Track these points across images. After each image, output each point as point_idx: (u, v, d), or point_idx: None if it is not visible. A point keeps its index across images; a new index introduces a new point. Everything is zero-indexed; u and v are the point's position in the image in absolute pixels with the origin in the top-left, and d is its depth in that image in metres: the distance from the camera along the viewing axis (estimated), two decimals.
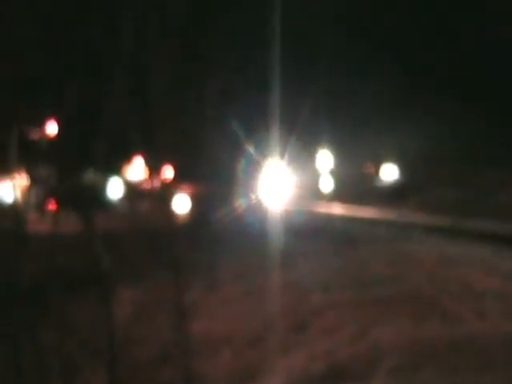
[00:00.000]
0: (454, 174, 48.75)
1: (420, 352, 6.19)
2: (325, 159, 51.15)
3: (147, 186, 11.91)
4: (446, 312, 8.06)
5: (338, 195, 52.52)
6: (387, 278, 10.93)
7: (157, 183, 9.82)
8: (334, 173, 54.75)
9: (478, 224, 24.10)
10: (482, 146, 50.58)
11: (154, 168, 10.06)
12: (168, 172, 9.72)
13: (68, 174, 6.27)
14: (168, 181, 9.66)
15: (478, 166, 49.03)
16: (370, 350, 6.42)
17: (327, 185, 54.84)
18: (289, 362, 6.51)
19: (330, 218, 35.26)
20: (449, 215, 28.17)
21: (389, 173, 58.19)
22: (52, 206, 6.61)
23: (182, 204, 11.35)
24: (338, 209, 43.87)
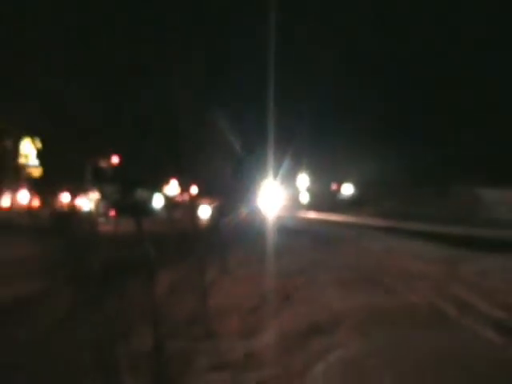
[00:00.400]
0: (397, 190, 48.95)
1: (369, 315, 6.36)
2: (303, 180, 51.75)
3: (180, 199, 12.12)
4: (389, 288, 8.22)
5: (313, 206, 52.96)
6: (348, 265, 11.09)
7: (186, 197, 10.00)
8: (309, 189, 55.34)
9: (414, 225, 24.32)
10: (420, 167, 50.71)
11: (184, 187, 10.26)
12: (194, 189, 9.92)
13: (126, 191, 6.48)
14: (194, 195, 9.84)
15: (416, 183, 49.19)
16: (336, 314, 6.58)
17: (305, 198, 55.35)
18: (279, 321, 6.68)
19: (307, 222, 35.42)
20: (392, 220, 28.42)
21: (348, 189, 59.07)
22: (114, 214, 6.81)
23: (204, 211, 11.54)
24: (312, 215, 44.09)
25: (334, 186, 60.14)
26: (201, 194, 10.01)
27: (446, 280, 8.68)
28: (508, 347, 4.87)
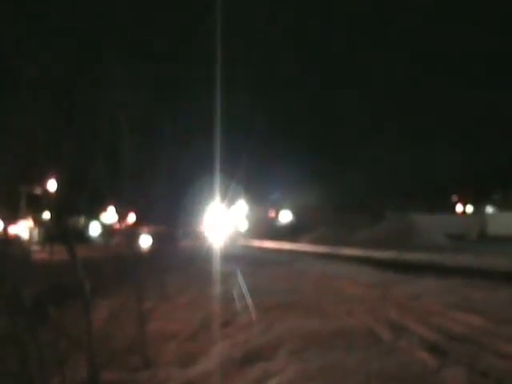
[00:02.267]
0: (334, 217, 49.80)
1: (307, 339, 6.31)
2: (242, 206, 51.88)
3: (117, 227, 11.83)
4: (325, 312, 8.21)
5: (251, 233, 53.07)
6: (286, 290, 11.07)
7: (124, 225, 9.75)
8: (248, 216, 55.51)
9: (349, 251, 24.68)
10: (353, 197, 51.91)
11: (121, 214, 10.01)
12: (132, 217, 9.70)
13: (61, 219, 6.24)
14: (132, 223, 9.61)
15: (349, 212, 50.24)
16: (274, 339, 6.50)
17: (243, 225, 55.46)
18: (217, 349, 6.54)
19: (247, 248, 35.42)
20: (327, 245, 28.83)
21: (285, 216, 59.64)
22: (49, 241, 6.56)
23: (144, 239, 11.31)
24: (251, 242, 44.13)
25: (271, 213, 60.59)
26: (139, 222, 9.77)
27: (380, 303, 8.75)
28: (441, 369, 4.90)
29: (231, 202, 46.12)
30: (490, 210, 61.25)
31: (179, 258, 18.60)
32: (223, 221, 47.84)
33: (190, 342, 7.22)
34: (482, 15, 55.63)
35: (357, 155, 56.63)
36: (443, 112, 57.91)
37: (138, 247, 8.74)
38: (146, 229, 9.80)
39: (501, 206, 62.87)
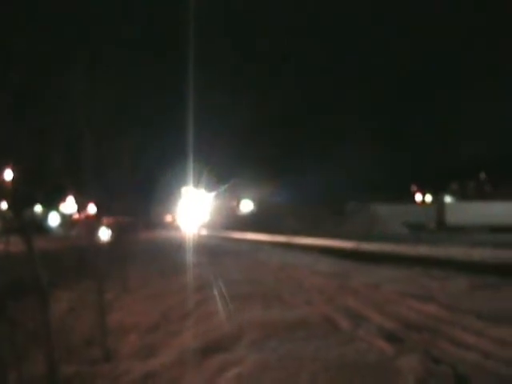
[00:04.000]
0: (294, 210, 50.20)
1: (266, 329, 6.35)
2: (207, 196, 51.65)
3: (77, 217, 11.65)
4: (285, 301, 8.28)
5: (213, 223, 52.90)
6: (246, 279, 11.11)
7: (83, 215, 9.62)
8: (212, 206, 55.31)
9: (307, 241, 24.96)
10: (317, 187, 52.35)
11: (81, 204, 9.88)
12: (91, 207, 9.58)
13: (19, 209, 6.11)
14: (92, 214, 9.50)
15: (311, 206, 50.69)
16: (234, 330, 6.52)
17: (207, 215, 55.30)
18: (178, 340, 6.55)
19: (208, 238, 35.41)
20: (286, 236, 29.11)
21: (246, 206, 59.59)
22: (6, 233, 6.41)
23: (105, 230, 11.21)
24: (214, 232, 44.13)
25: (232, 202, 60.41)
26: (100, 212, 9.66)
27: (339, 292, 8.87)
28: (398, 356, 5.01)
29: (199, 191, 46.02)
30: (448, 199, 62.50)
31: (140, 249, 18.49)
32: (190, 210, 47.64)
33: (151, 334, 7.21)
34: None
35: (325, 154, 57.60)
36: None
37: (97, 238, 8.64)
38: (105, 220, 9.67)
39: (459, 195, 64.33)
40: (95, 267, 7.48)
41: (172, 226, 59.60)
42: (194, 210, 48.75)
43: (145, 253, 19.26)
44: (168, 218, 73.45)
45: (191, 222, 46.44)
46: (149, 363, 5.74)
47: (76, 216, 11.67)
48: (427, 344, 5.40)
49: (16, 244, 6.50)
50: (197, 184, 44.79)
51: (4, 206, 6.75)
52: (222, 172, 46.57)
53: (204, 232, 44.08)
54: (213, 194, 50.57)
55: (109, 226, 11.17)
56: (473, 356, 4.94)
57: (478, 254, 13.95)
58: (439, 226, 48.24)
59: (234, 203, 61.06)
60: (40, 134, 6.87)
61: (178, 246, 23.87)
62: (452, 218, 47.71)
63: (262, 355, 5.23)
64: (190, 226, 44.93)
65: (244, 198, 58.75)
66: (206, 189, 49.32)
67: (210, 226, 51.00)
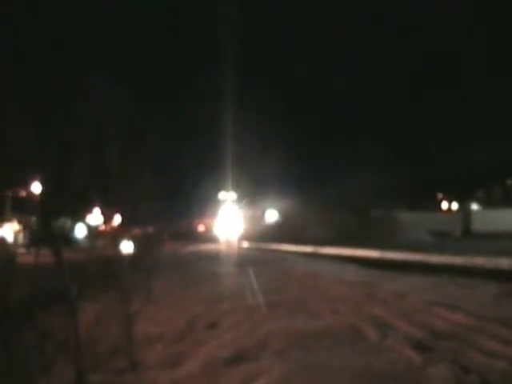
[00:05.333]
0: (318, 219, 49.92)
1: (293, 338, 6.31)
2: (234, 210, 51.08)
3: (103, 229, 11.78)
4: (311, 311, 8.23)
5: (245, 233, 52.06)
6: (273, 289, 11.06)
7: (110, 227, 9.73)
8: (242, 217, 54.70)
9: (332, 251, 24.82)
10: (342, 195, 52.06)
11: (107, 216, 9.99)
12: (118, 219, 9.67)
13: (47, 221, 6.21)
14: (118, 225, 9.59)
15: (337, 214, 50.35)
16: (261, 340, 6.50)
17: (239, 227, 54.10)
18: (204, 350, 6.54)
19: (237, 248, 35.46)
20: (312, 246, 28.97)
21: (272, 215, 59.03)
22: (35, 244, 6.52)
23: (128, 243, 11.25)
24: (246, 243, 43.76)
25: (258, 212, 59.95)
26: (125, 224, 9.74)
27: (366, 301, 8.79)
28: (427, 365, 4.94)
29: (235, 199, 45.58)
30: (474, 207, 61.68)
31: (166, 260, 18.58)
32: (227, 220, 46.84)
33: (177, 344, 7.21)
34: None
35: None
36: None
37: (120, 250, 8.71)
38: (129, 232, 9.74)
39: (485, 203, 63.43)
40: (121, 278, 7.54)
41: (206, 237, 58.52)
42: (230, 219, 47.69)
43: (171, 263, 19.31)
44: (201, 228, 72.42)
45: (229, 233, 45.30)
46: (175, 372, 5.74)
47: (102, 227, 11.81)
48: (455, 353, 5.31)
49: (45, 255, 6.58)
50: (232, 192, 44.60)
51: (34, 218, 6.86)
52: (251, 181, 46.31)
53: (245, 244, 42.63)
54: (244, 203, 50.04)
55: (132, 237, 11.24)
56: (501, 364, 4.84)
57: (505, 261, 13.69)
58: (465, 234, 47.62)
59: (260, 213, 60.48)
60: (66, 146, 6.98)
61: (206, 257, 23.91)
62: (478, 225, 47.06)
63: (288, 365, 5.20)
64: (227, 236, 43.90)
65: (269, 207, 58.21)
66: (239, 198, 48.90)
67: (244, 236, 49.91)
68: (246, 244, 41.18)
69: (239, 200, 48.49)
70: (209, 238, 53.96)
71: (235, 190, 45.08)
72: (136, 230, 12.86)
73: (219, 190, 45.59)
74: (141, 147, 10.40)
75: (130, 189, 9.40)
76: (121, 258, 8.06)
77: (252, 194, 49.85)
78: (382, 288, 10.28)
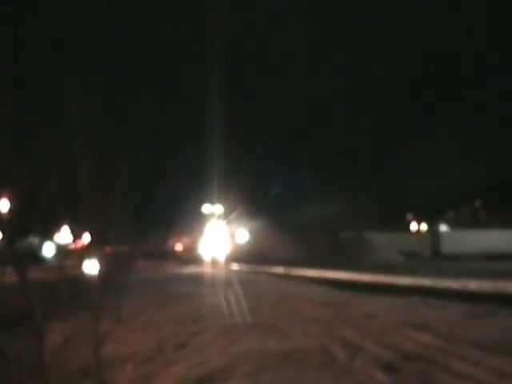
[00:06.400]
0: (288, 239, 49.94)
1: (262, 359, 6.29)
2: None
3: (72, 247, 11.60)
4: (282, 332, 8.21)
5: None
6: (243, 310, 11.01)
7: (78, 245, 9.60)
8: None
9: (305, 272, 24.86)
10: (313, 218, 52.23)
11: (76, 234, 9.87)
12: (86, 237, 9.55)
13: (12, 240, 6.11)
14: (87, 243, 9.46)
15: (308, 235, 50.48)
16: (230, 361, 6.45)
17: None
18: (172, 371, 6.47)
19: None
20: (284, 267, 28.98)
21: (243, 236, 58.08)
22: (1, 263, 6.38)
23: (93, 262, 11.06)
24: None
25: (232, 230, 58.93)
26: (94, 242, 9.61)
27: (336, 322, 8.81)
28: None
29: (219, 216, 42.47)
30: (443, 228, 62.39)
31: (137, 280, 18.34)
32: (211, 237, 42.72)
33: (146, 364, 7.13)
34: None
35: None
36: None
37: (87, 269, 8.60)
38: (98, 251, 9.60)
39: (454, 224, 64.26)
40: (90, 298, 7.44)
41: (184, 257, 55.11)
42: (214, 237, 42.53)
43: (142, 283, 19.07)
44: (178, 247, 67.80)
45: (215, 252, 40.21)
46: None
47: (71, 246, 11.64)
48: (424, 374, 5.35)
49: (12, 275, 6.46)
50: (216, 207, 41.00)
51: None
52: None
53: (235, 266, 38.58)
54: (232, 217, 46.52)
55: (102, 256, 11.08)
56: None
57: (473, 283, 13.91)
58: (434, 255, 48.11)
59: (233, 232, 59.27)
60: (35, 162, 6.91)
61: (177, 276, 23.59)
62: (447, 246, 47.56)
63: None
64: (213, 255, 39.10)
65: (240, 227, 57.21)
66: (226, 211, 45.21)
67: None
68: (236, 266, 38.21)
69: (226, 214, 45.29)
70: (190, 257, 51.39)
71: (222, 203, 41.97)
72: (107, 249, 12.67)
73: (203, 202, 42.00)
74: (114, 163, 10.34)
75: (100, 206, 9.31)
76: (89, 277, 7.95)
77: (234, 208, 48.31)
78: (352, 309, 10.33)
